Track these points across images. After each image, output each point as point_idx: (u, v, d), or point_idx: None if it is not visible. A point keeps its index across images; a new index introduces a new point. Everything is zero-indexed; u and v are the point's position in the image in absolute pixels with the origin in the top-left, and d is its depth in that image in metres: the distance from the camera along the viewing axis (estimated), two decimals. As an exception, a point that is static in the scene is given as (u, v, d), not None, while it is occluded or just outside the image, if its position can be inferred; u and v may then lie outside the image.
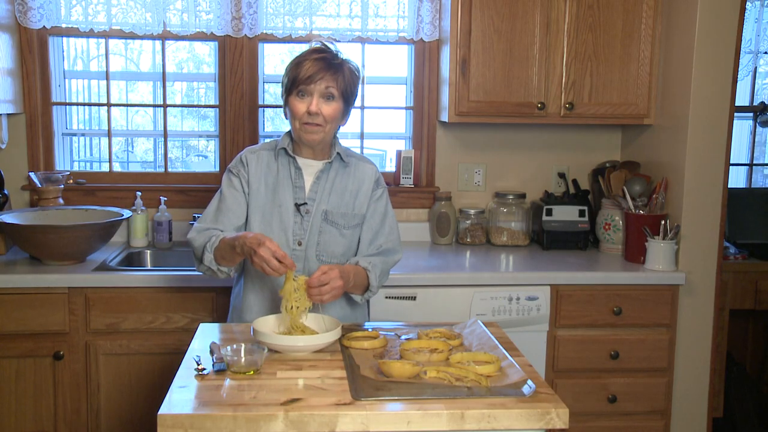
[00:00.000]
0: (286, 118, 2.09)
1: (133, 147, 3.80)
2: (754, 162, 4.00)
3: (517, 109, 2.93)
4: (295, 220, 2.07)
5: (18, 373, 2.57)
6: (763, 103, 3.81)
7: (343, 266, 1.95)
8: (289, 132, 2.13)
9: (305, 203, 2.08)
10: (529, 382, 1.55)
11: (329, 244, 2.09)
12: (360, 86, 2.10)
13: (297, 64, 2.00)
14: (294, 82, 1.99)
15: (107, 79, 3.17)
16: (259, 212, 2.08)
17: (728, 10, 2.68)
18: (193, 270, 2.70)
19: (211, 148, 3.55)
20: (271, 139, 2.23)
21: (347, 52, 2.10)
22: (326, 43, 2.05)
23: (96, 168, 3.58)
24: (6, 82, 2.88)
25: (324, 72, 1.98)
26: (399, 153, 3.23)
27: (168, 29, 3.07)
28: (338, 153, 2.12)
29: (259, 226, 2.06)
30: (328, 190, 2.10)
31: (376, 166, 2.19)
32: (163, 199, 3.08)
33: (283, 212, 2.07)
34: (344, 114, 2.08)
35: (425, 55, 3.21)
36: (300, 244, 2.07)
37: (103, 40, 3.16)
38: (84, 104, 3.44)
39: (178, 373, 1.61)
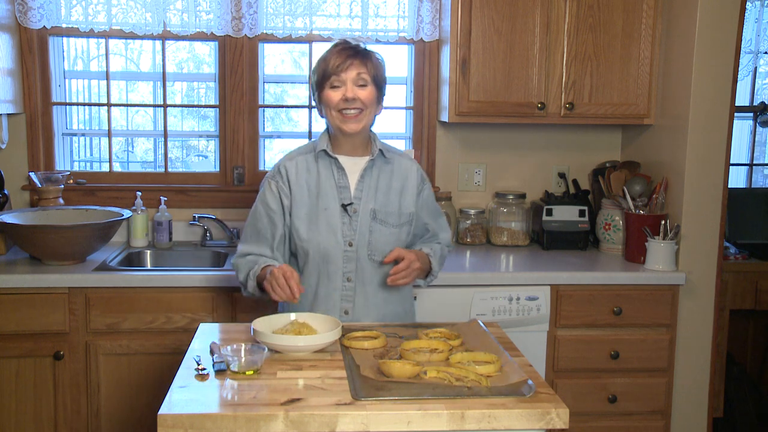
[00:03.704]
0: (322, 116, 2.08)
1: (133, 147, 3.80)
2: (754, 162, 4.00)
3: (517, 109, 2.93)
4: (343, 221, 2.05)
5: (18, 373, 2.57)
6: (763, 103, 3.81)
7: (411, 250, 2.05)
8: (326, 131, 2.11)
9: (351, 203, 2.06)
10: (529, 382, 1.55)
11: (380, 243, 2.07)
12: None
13: (323, 59, 2.03)
14: (324, 75, 2.00)
15: (107, 79, 3.17)
16: (305, 219, 2.06)
17: (728, 10, 2.68)
18: (193, 270, 2.72)
19: (211, 148, 3.55)
20: (309, 142, 2.20)
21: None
22: (348, 39, 2.06)
23: (96, 168, 3.58)
24: (6, 82, 2.88)
25: (352, 59, 1.99)
26: (399, 153, 3.22)
27: (168, 29, 3.06)
28: (380, 149, 2.10)
29: (306, 232, 2.05)
30: (373, 188, 2.09)
31: (415, 162, 2.19)
32: (163, 199, 3.08)
33: (329, 215, 2.05)
34: (379, 100, 2.07)
35: (425, 55, 3.21)
36: (351, 244, 2.05)
37: (103, 40, 3.16)
38: (84, 104, 3.44)
39: (178, 373, 1.61)
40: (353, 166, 2.09)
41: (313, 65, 2.08)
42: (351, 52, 2.00)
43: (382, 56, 2.10)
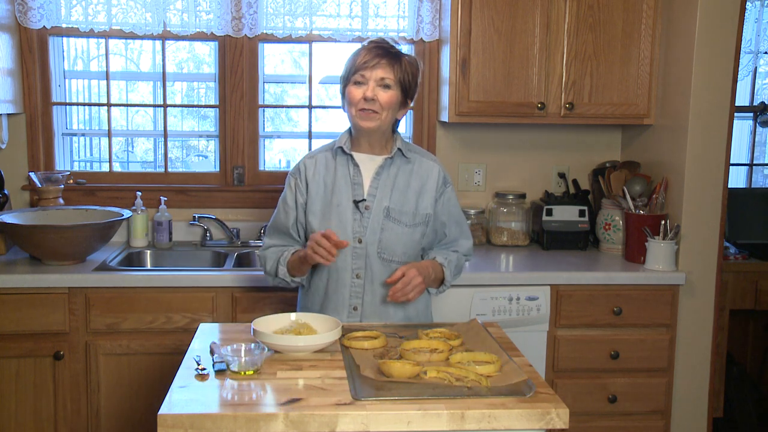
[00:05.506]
0: (345, 111, 2.08)
1: (133, 147, 3.80)
2: (754, 162, 4.00)
3: (517, 109, 2.93)
4: (354, 218, 2.06)
5: (18, 373, 2.57)
6: (763, 103, 3.81)
7: (419, 263, 2.03)
8: (348, 130, 2.12)
9: (364, 200, 2.06)
10: (529, 382, 1.55)
11: (391, 242, 2.06)
12: (419, 80, 2.10)
13: (354, 55, 2.03)
14: (350, 70, 2.01)
15: (107, 79, 3.17)
16: (319, 214, 2.07)
17: (728, 10, 2.68)
18: (193, 270, 2.72)
19: (211, 148, 3.55)
20: (333, 140, 2.19)
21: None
22: (385, 39, 2.06)
23: (96, 168, 3.58)
24: (6, 82, 2.88)
25: (380, 59, 1.99)
26: (399, 153, 3.22)
27: (168, 29, 3.06)
28: (399, 148, 2.10)
29: (318, 227, 2.06)
30: (389, 186, 2.08)
31: (438, 163, 2.17)
32: (163, 199, 3.08)
33: (341, 211, 2.06)
34: (403, 103, 2.07)
35: (425, 55, 3.20)
36: (360, 241, 2.05)
37: (103, 40, 3.16)
38: (84, 104, 3.44)
39: (178, 373, 1.61)
40: (369, 163, 2.09)
41: (345, 62, 2.08)
42: (381, 51, 2.00)
43: (417, 59, 2.09)
